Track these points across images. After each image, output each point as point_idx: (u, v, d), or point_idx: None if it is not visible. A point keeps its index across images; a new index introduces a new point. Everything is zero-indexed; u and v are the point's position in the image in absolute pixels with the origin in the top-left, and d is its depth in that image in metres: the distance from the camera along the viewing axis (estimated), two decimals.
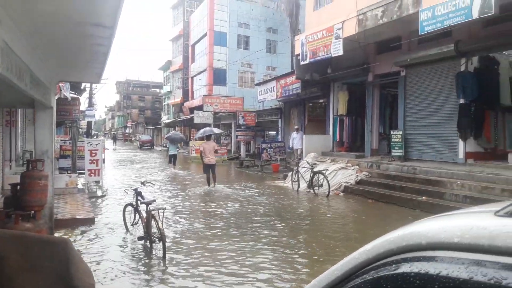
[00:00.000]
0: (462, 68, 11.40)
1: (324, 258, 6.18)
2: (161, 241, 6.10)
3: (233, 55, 36.08)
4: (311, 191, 12.68)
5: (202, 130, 19.65)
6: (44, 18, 4.15)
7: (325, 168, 13.61)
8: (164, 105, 57.24)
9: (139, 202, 7.07)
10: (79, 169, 14.06)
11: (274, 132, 27.17)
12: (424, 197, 10.08)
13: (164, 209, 6.55)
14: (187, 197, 11.90)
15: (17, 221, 5.25)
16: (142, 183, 7.63)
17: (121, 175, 17.55)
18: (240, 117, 26.74)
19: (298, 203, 11.31)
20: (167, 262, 5.95)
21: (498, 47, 10.94)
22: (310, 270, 5.68)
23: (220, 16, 36.31)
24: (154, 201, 6.88)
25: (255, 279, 5.30)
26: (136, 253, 6.49)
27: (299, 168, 13.74)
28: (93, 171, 12.65)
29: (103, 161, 14.42)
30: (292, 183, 13.89)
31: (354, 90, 17.00)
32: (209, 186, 13.65)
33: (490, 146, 11.89)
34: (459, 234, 0.80)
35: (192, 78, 42.36)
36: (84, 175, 13.06)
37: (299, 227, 8.34)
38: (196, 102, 37.44)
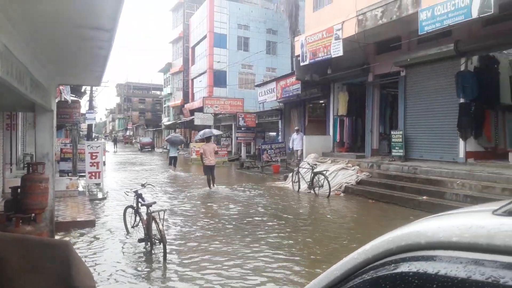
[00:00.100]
0: (462, 68, 11.41)
1: (325, 259, 6.17)
2: (161, 243, 6.11)
3: (233, 56, 36.11)
4: (312, 191, 12.68)
5: (201, 132, 19.65)
6: (44, 21, 4.16)
7: (325, 169, 13.61)
8: (165, 107, 57.28)
9: (139, 204, 7.07)
10: (79, 171, 14.08)
11: (274, 133, 27.17)
12: (424, 197, 10.07)
13: (164, 211, 6.56)
14: (187, 199, 11.90)
15: (17, 224, 5.26)
16: (143, 185, 7.64)
17: (122, 178, 17.55)
18: (240, 119, 26.76)
19: (299, 204, 11.31)
20: (167, 264, 5.95)
21: (498, 47, 10.95)
22: (311, 271, 5.67)
23: (220, 18, 36.37)
24: (154, 203, 6.88)
25: (256, 281, 5.30)
26: (136, 255, 6.49)
27: (300, 169, 13.74)
28: (93, 173, 12.65)
29: (104, 163, 14.43)
30: (292, 184, 13.89)
31: (354, 91, 17.01)
32: (210, 187, 13.65)
33: (491, 145, 11.88)
34: (457, 233, 0.80)
35: (192, 80, 42.40)
36: (84, 178, 13.06)
37: (300, 227, 8.34)
38: (196, 104, 37.47)
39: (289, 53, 27.63)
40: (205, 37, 37.42)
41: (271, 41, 37.48)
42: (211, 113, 30.40)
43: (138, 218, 7.24)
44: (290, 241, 7.23)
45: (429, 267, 0.79)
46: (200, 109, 31.65)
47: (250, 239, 7.33)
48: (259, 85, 25.31)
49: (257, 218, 9.14)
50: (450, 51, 11.40)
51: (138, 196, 7.05)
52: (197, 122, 32.39)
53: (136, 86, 79.90)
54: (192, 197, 12.24)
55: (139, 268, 5.85)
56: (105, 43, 4.92)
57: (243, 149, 27.62)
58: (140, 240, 6.75)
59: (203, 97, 32.68)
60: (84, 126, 31.06)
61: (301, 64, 15.99)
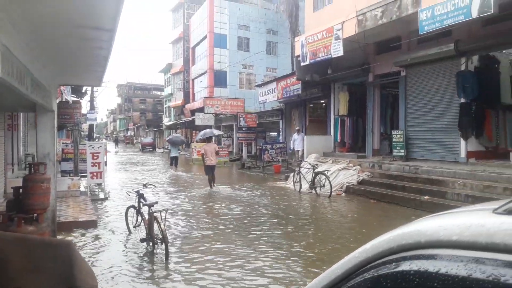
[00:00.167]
0: (462, 68, 11.40)
1: (326, 258, 6.18)
2: (163, 243, 6.12)
3: (234, 57, 36.12)
4: (313, 191, 12.68)
5: (202, 132, 19.67)
6: (44, 21, 4.17)
7: (326, 169, 13.60)
8: (165, 107, 57.31)
9: (141, 204, 7.08)
10: (81, 172, 14.08)
11: (275, 133, 27.17)
12: (426, 197, 10.07)
13: (166, 210, 6.57)
14: (189, 199, 11.91)
15: (19, 224, 5.27)
16: (144, 185, 7.65)
17: (123, 178, 17.57)
18: (241, 119, 26.76)
19: (300, 204, 11.31)
20: (169, 263, 5.96)
21: (498, 46, 10.94)
22: (313, 270, 5.67)
23: (220, 18, 36.37)
24: (156, 203, 6.89)
25: (258, 281, 5.30)
26: (138, 255, 6.49)
27: (301, 169, 13.74)
28: (95, 173, 12.66)
29: (105, 163, 14.44)
30: (294, 184, 13.89)
31: (355, 91, 17.00)
32: (211, 187, 13.67)
33: (492, 145, 11.88)
34: (457, 232, 0.81)
35: (193, 80, 42.41)
36: (86, 178, 13.08)
37: (301, 227, 8.34)
38: (197, 104, 37.48)
39: (290, 53, 27.65)
40: (205, 37, 37.43)
41: (271, 41, 37.48)
42: (212, 113, 30.40)
43: (140, 218, 7.26)
44: (291, 241, 7.23)
45: (429, 266, 0.79)
46: (201, 109, 31.65)
47: (251, 239, 7.33)
48: (259, 85, 25.31)
49: (258, 218, 9.14)
50: (450, 51, 11.40)
51: (140, 196, 7.07)
52: (198, 122, 32.39)
53: (137, 87, 79.96)
54: (194, 197, 12.24)
55: (141, 268, 5.86)
56: (106, 43, 4.92)
57: (244, 149, 27.63)
58: (142, 240, 6.77)
59: (204, 97, 32.69)
60: (85, 126, 31.06)
61: (302, 64, 15.98)
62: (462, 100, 11.37)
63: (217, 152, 14.47)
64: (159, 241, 6.39)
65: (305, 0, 18.42)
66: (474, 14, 8.98)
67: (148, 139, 54.46)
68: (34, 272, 1.57)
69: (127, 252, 6.70)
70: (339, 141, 17.11)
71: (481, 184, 9.54)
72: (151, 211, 6.50)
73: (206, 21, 36.75)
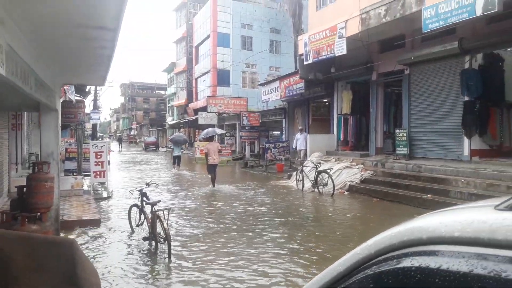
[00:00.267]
0: (466, 66, 11.35)
1: (329, 256, 6.17)
2: (166, 242, 6.13)
3: (237, 56, 36.13)
4: (316, 190, 12.68)
5: (205, 131, 19.67)
6: (47, 21, 4.18)
7: (329, 167, 13.58)
8: (169, 106, 57.43)
9: (144, 203, 7.10)
10: (84, 171, 14.14)
11: (278, 132, 27.17)
12: (429, 195, 10.04)
13: (169, 209, 6.58)
14: (192, 198, 11.93)
15: (23, 223, 5.29)
16: (147, 184, 7.68)
17: (127, 177, 17.61)
18: (244, 118, 26.76)
19: (303, 202, 11.31)
20: (172, 262, 5.97)
21: (502, 44, 10.89)
22: (315, 268, 5.67)
23: (223, 18, 36.38)
24: (159, 201, 6.91)
25: (260, 280, 5.30)
26: (141, 253, 6.51)
27: (304, 168, 13.73)
28: (98, 173, 12.70)
29: (109, 162, 14.49)
30: (296, 182, 13.89)
31: (358, 89, 16.97)
32: (214, 186, 13.72)
33: (496, 143, 11.83)
34: (459, 228, 0.81)
35: (196, 79, 42.45)
36: (89, 177, 13.13)
37: (304, 226, 8.34)
38: (200, 103, 37.52)
39: (293, 52, 27.53)
40: (208, 36, 37.46)
41: (274, 40, 37.47)
42: (215, 113, 30.41)
43: (142, 217, 7.28)
44: (294, 240, 7.23)
45: (431, 262, 0.79)
46: (204, 109, 31.69)
47: (254, 237, 7.33)
48: (262, 84, 25.30)
49: (261, 217, 9.15)
50: (454, 49, 11.35)
51: (143, 195, 7.09)
52: (201, 121, 32.41)
53: (140, 86, 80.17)
54: (197, 196, 12.26)
55: (144, 267, 5.87)
56: (109, 43, 4.94)
57: (247, 148, 27.63)
58: (144, 239, 6.79)
59: (207, 96, 32.71)
60: (88, 125, 31.21)
61: (305, 63, 15.96)
62: (466, 98, 11.32)
63: (219, 151, 14.49)
64: (161, 240, 6.41)
65: None
66: (478, 12, 8.94)
67: (151, 138, 54.60)
68: (37, 271, 1.57)
69: (130, 250, 6.71)
70: (342, 139, 17.08)
71: (484, 182, 9.50)
72: (154, 210, 6.52)
73: (210, 20, 36.77)
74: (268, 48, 36.31)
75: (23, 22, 4.03)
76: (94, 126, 26.44)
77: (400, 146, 13.27)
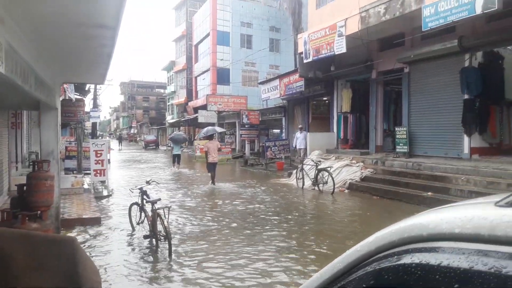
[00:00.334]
0: (466, 64, 11.35)
1: (329, 254, 6.18)
2: (166, 240, 6.14)
3: (236, 54, 36.10)
4: (316, 188, 12.69)
5: (205, 130, 19.72)
6: (47, 20, 4.17)
7: (329, 165, 13.58)
8: (168, 105, 57.37)
9: (144, 201, 7.11)
10: (84, 169, 14.15)
11: (278, 131, 27.16)
12: (429, 193, 10.06)
13: (169, 207, 6.58)
14: (192, 196, 11.93)
15: (24, 222, 5.29)
16: (147, 182, 7.68)
17: (127, 175, 17.62)
18: (244, 116, 26.74)
19: (303, 200, 11.32)
20: (173, 260, 5.98)
21: (502, 42, 10.87)
22: (316, 266, 5.68)
23: (223, 16, 36.33)
24: (159, 199, 6.91)
25: (261, 279, 5.31)
26: (142, 251, 6.52)
27: (304, 166, 13.74)
28: (98, 171, 12.72)
29: (109, 161, 14.49)
30: (296, 180, 13.90)
31: (358, 88, 16.96)
32: (214, 184, 13.73)
33: (496, 141, 11.83)
34: (460, 225, 0.81)
35: (195, 78, 42.41)
36: (89, 175, 13.13)
37: (304, 224, 8.35)
38: (200, 101, 37.51)
39: (292, 51, 27.53)
40: (208, 35, 37.41)
41: (274, 39, 37.42)
42: (215, 111, 30.41)
43: (143, 215, 7.29)
44: (294, 238, 7.24)
45: (431, 259, 0.80)
46: (204, 107, 31.68)
47: (254, 235, 7.35)
48: (262, 83, 25.26)
49: (261, 215, 9.16)
50: (454, 47, 11.33)
51: (143, 193, 7.09)
52: (201, 119, 32.43)
53: (140, 85, 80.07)
54: (197, 194, 12.27)
55: (145, 265, 5.88)
56: (108, 41, 4.93)
57: (247, 146, 27.62)
58: (145, 237, 6.80)
59: (207, 94, 32.70)
60: (88, 124, 31.20)
61: (304, 61, 15.95)
62: (466, 96, 11.32)
63: (219, 150, 14.51)
64: (162, 238, 6.41)
65: None
66: (478, 10, 8.93)
67: (151, 137, 54.57)
68: (38, 270, 1.57)
69: (130, 249, 6.72)
70: (342, 138, 17.08)
71: (484, 180, 9.51)
72: (154, 208, 6.53)
73: (209, 19, 36.72)
74: (268, 47, 36.27)
75: (23, 21, 4.03)
76: (94, 124, 26.44)
77: (400, 144, 13.27)
